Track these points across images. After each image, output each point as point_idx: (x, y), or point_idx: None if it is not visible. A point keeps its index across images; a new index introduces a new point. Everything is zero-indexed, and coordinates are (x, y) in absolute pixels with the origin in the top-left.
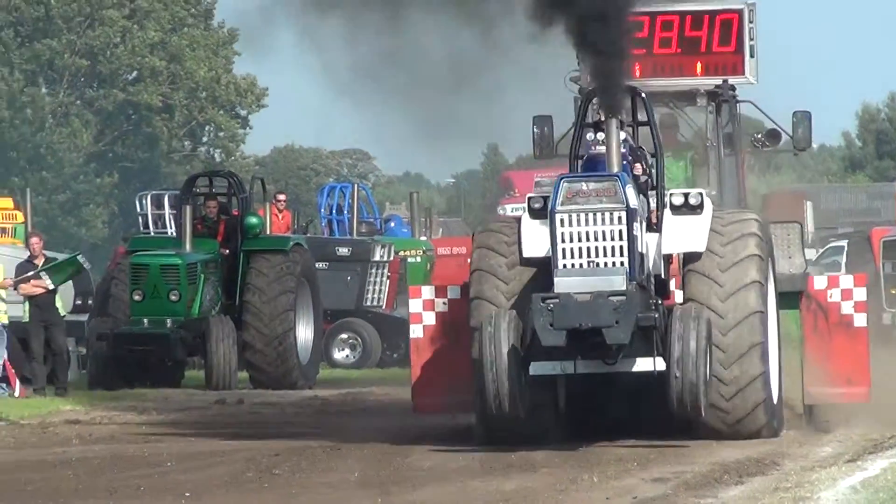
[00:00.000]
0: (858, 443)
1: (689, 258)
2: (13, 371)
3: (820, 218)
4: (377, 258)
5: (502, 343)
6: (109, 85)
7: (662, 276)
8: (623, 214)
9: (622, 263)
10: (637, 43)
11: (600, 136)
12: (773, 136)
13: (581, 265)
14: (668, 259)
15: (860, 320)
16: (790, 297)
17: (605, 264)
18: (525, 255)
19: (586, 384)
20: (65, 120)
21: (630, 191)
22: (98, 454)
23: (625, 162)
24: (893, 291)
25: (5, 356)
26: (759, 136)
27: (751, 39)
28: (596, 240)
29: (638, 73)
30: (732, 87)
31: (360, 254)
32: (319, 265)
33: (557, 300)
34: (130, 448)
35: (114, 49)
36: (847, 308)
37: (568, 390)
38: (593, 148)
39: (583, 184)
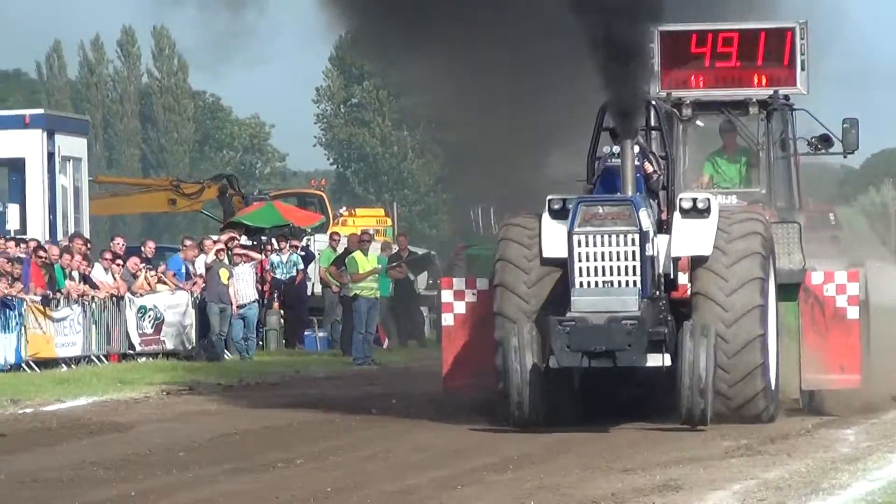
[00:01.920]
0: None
1: (698, 259)
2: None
3: None
4: None
5: (525, 356)
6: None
7: (671, 276)
8: (636, 237)
9: (635, 283)
10: (698, 57)
11: (616, 148)
12: (825, 140)
13: (597, 283)
14: (676, 259)
15: (853, 313)
16: (789, 290)
17: (620, 283)
18: (545, 255)
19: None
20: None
21: (643, 214)
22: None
23: (638, 175)
24: None
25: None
26: (813, 139)
27: (802, 54)
28: (611, 260)
29: (702, 84)
30: (786, 97)
31: None
32: None
33: (573, 323)
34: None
35: None
36: (841, 302)
37: (582, 375)
38: (609, 161)
39: (599, 207)
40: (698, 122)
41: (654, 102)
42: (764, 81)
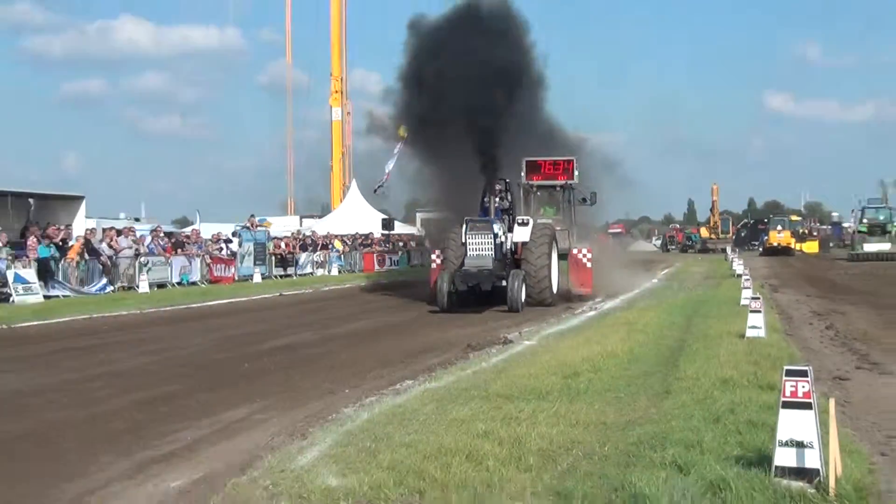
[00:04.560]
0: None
1: (524, 242)
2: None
3: None
4: None
5: (444, 284)
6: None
7: (513, 251)
8: (491, 235)
9: (490, 254)
10: (539, 167)
11: (486, 200)
12: (584, 199)
13: (476, 254)
14: (516, 244)
15: (588, 264)
16: (563, 256)
17: (483, 254)
18: (462, 241)
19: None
20: None
21: (495, 226)
22: None
23: (499, 208)
24: None
25: None
26: (581, 199)
27: (576, 168)
28: (480, 245)
29: (539, 178)
30: (570, 184)
31: None
32: None
33: (464, 271)
34: None
35: None
36: (584, 259)
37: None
38: (486, 204)
39: (477, 223)
40: (538, 193)
41: (518, 183)
42: (560, 178)
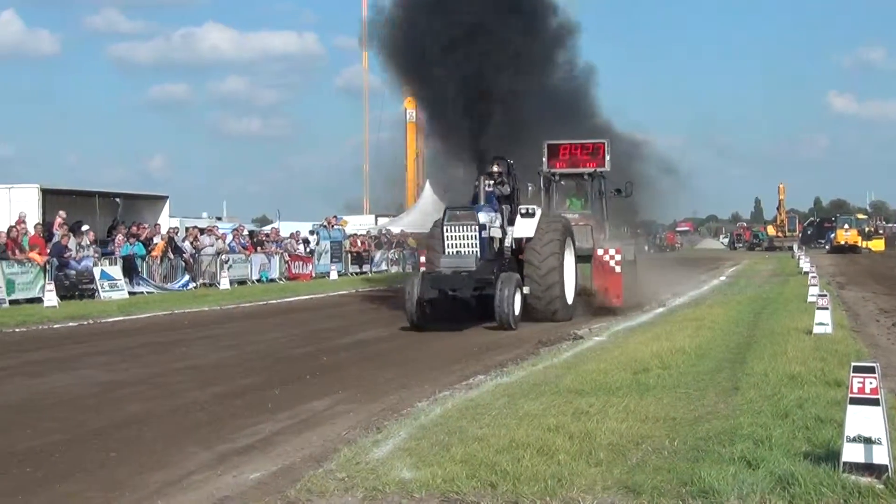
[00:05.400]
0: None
1: (528, 239)
2: None
3: None
4: None
5: (414, 289)
6: None
7: (514, 249)
8: (476, 227)
9: (475, 252)
10: (562, 153)
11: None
12: (618, 191)
13: (455, 252)
14: (518, 241)
15: (618, 269)
16: (585, 258)
17: (465, 252)
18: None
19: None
20: None
21: (481, 215)
22: None
23: (493, 195)
24: None
25: None
26: (615, 190)
27: (607, 154)
28: (461, 239)
29: (563, 166)
30: (601, 173)
31: None
32: None
33: (433, 273)
34: None
35: None
36: (612, 262)
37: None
38: (476, 190)
39: (457, 211)
40: (562, 182)
41: (539, 171)
42: (588, 165)
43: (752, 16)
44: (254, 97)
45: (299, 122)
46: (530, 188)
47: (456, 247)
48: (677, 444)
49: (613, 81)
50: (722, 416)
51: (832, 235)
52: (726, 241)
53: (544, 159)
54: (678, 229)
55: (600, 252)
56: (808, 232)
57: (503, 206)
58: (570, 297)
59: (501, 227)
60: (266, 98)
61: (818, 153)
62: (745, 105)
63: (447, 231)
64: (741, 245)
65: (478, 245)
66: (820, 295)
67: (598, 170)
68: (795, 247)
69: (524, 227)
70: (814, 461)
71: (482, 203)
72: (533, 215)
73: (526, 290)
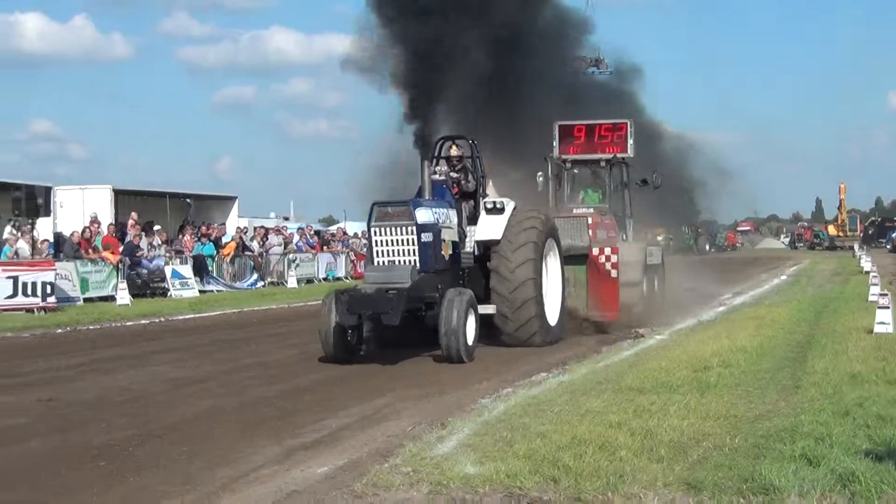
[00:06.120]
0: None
1: (496, 242)
2: None
3: None
4: None
5: (330, 315)
6: None
7: (478, 256)
8: (414, 228)
9: (413, 262)
10: (577, 137)
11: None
12: (644, 182)
13: (385, 262)
14: (484, 246)
15: (615, 274)
16: (579, 258)
17: (400, 262)
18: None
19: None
20: None
21: (421, 212)
22: None
23: (444, 186)
24: None
25: None
26: (638, 182)
27: (630, 137)
28: (395, 245)
29: (577, 151)
30: (623, 159)
31: None
32: None
33: (351, 293)
34: None
35: None
36: (608, 266)
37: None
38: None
39: (388, 208)
40: (576, 171)
41: (547, 157)
42: (609, 150)
43: (812, 12)
44: (319, 99)
45: (363, 123)
46: (539, 177)
47: (387, 255)
48: (738, 442)
49: (673, 82)
50: (783, 414)
51: (893, 235)
52: (787, 240)
53: (555, 143)
54: (739, 229)
55: (595, 252)
56: (869, 231)
57: (465, 202)
58: (553, 316)
59: (460, 226)
60: (330, 100)
61: (879, 152)
62: (805, 104)
63: (374, 235)
64: (802, 244)
65: (416, 252)
66: (881, 294)
67: (620, 155)
68: (856, 246)
69: (489, 227)
70: (875, 459)
71: (426, 196)
72: (502, 211)
73: (491, 308)
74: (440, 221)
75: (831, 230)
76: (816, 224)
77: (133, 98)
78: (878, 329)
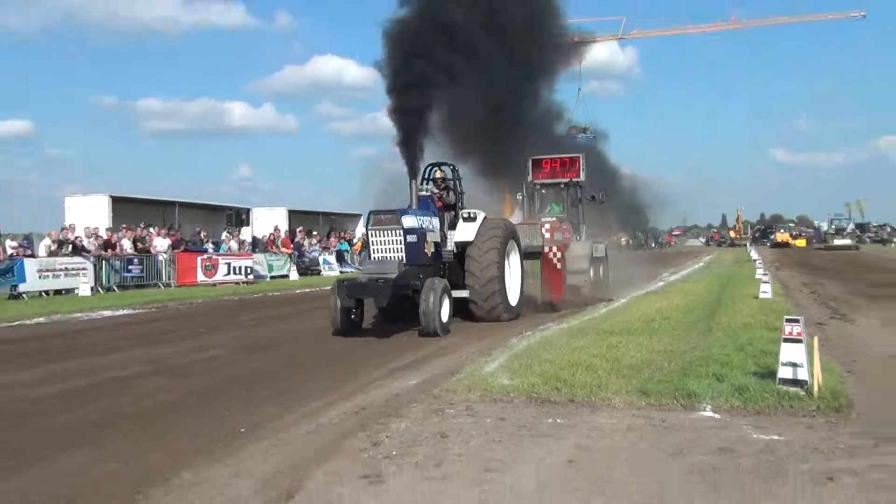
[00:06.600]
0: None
1: (468, 244)
2: None
3: None
4: None
5: (336, 299)
6: None
7: (457, 253)
8: (401, 231)
9: (400, 258)
10: (544, 167)
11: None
12: (593, 198)
13: (378, 258)
14: (462, 246)
15: (559, 266)
16: (535, 255)
17: (389, 258)
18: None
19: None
20: None
21: (409, 218)
22: None
23: (430, 200)
24: None
25: None
26: (589, 197)
27: (582, 167)
28: (386, 244)
29: (544, 177)
30: (577, 182)
31: None
32: None
33: (349, 281)
34: None
35: None
36: (555, 260)
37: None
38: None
39: (381, 215)
40: (543, 192)
41: (523, 182)
42: (566, 176)
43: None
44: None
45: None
46: (519, 197)
47: (380, 252)
48: (672, 366)
49: (637, 137)
50: (701, 348)
51: (772, 237)
52: (704, 240)
53: (529, 172)
54: (674, 233)
55: (546, 249)
56: (757, 235)
57: (446, 212)
58: (514, 298)
59: (442, 231)
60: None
61: (763, 183)
62: (715, 153)
63: (371, 236)
64: (713, 243)
65: (402, 250)
66: (763, 274)
67: (574, 180)
68: (748, 244)
69: (465, 232)
70: (759, 377)
71: (413, 207)
72: (475, 220)
73: (465, 293)
74: (424, 226)
75: (732, 234)
76: (722, 230)
77: (300, 154)
78: (762, 296)
